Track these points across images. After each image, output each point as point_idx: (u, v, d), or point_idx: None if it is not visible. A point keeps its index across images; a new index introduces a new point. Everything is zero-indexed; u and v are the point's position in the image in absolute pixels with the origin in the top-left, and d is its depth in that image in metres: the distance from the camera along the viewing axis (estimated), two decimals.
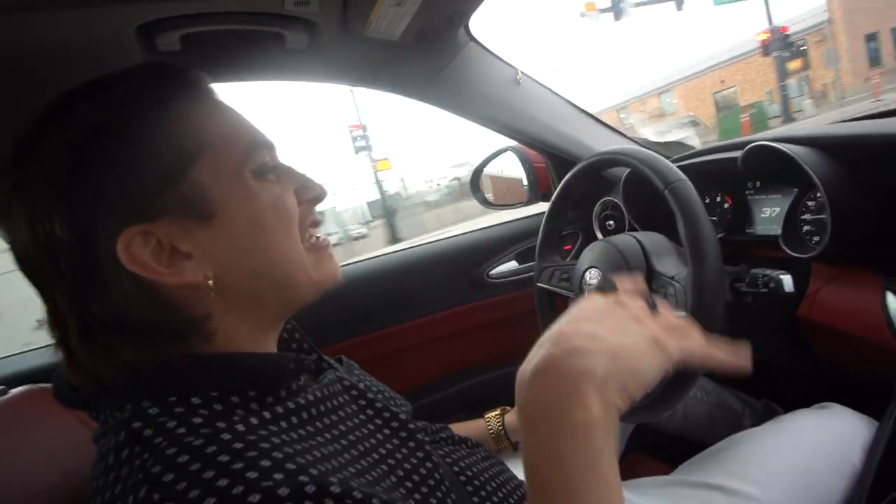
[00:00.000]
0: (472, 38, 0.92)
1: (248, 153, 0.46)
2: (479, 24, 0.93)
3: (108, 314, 0.40)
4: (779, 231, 0.86)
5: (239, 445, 0.36)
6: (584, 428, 0.36)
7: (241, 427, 0.38)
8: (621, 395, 0.38)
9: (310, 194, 0.51)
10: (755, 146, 0.79)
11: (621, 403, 0.38)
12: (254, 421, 0.40)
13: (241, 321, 0.46)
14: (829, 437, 0.71)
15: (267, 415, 0.41)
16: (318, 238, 0.52)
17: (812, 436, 0.72)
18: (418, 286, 1.16)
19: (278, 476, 0.34)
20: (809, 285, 0.81)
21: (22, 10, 0.53)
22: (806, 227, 0.85)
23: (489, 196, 1.44)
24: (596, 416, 0.36)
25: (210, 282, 0.42)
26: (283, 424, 0.41)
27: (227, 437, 0.36)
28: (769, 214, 0.94)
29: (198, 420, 0.38)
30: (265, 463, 0.35)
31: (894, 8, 19.57)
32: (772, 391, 1.05)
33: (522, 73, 1.00)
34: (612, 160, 0.79)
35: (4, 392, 0.66)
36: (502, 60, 0.99)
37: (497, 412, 0.80)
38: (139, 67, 0.47)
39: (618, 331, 0.41)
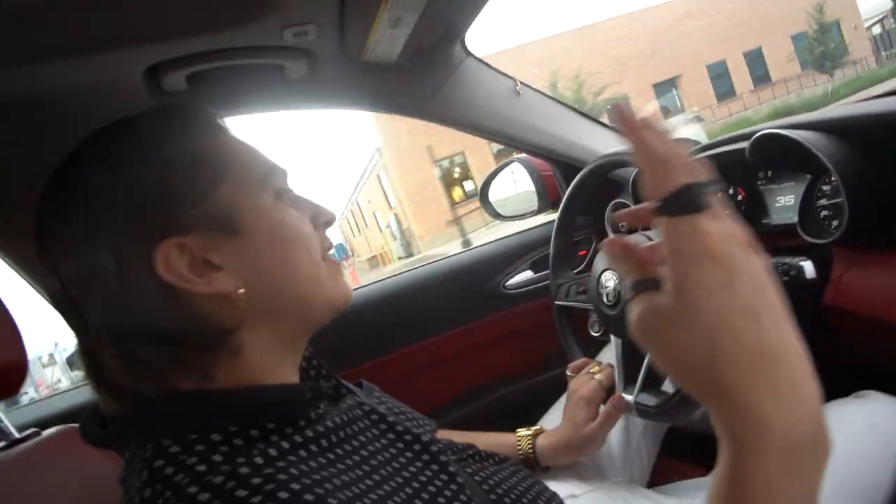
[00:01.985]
0: (469, 53, 0.94)
1: (267, 177, 0.49)
2: (475, 38, 0.95)
3: (143, 328, 0.42)
4: (795, 219, 0.85)
5: (257, 480, 0.36)
6: None
7: (259, 460, 0.39)
8: None
9: (322, 219, 0.54)
10: (762, 135, 0.78)
11: None
12: (273, 452, 0.40)
13: (264, 339, 0.47)
14: (867, 425, 0.69)
15: (286, 445, 0.41)
16: (332, 259, 0.54)
17: (851, 425, 0.70)
18: (434, 303, 1.16)
19: None
20: (833, 271, 0.79)
21: (31, 62, 0.55)
22: (823, 213, 0.83)
23: (500, 209, 1.45)
24: None
25: (241, 291, 0.45)
26: (303, 453, 0.42)
27: (245, 471, 0.37)
28: (784, 203, 0.92)
29: (217, 458, 0.38)
30: (283, 495, 0.35)
31: None
32: None
33: (521, 83, 1.01)
34: (612, 162, 0.79)
35: (37, 434, 0.67)
36: (500, 73, 1.00)
37: (530, 433, 0.78)
38: (163, 106, 0.51)
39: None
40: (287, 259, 0.48)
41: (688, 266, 0.31)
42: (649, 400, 0.70)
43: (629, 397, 0.72)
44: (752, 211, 0.96)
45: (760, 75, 22.80)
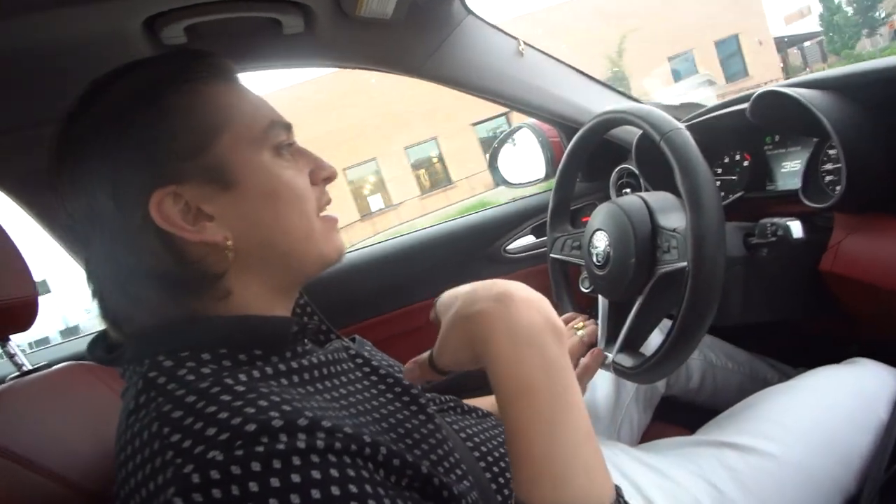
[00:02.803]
0: (470, 12, 0.93)
1: (267, 131, 0.50)
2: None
3: (138, 268, 0.46)
4: (799, 184, 0.83)
5: (241, 389, 0.39)
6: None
7: (243, 377, 0.41)
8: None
9: (322, 174, 0.55)
10: (762, 92, 0.76)
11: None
12: (256, 374, 0.43)
13: (253, 285, 0.49)
14: (853, 390, 0.68)
15: (269, 370, 0.44)
16: (328, 215, 0.55)
17: (835, 390, 0.69)
18: (434, 265, 1.18)
19: (274, 413, 0.37)
20: (832, 237, 0.77)
21: (29, 11, 0.58)
22: (828, 178, 0.81)
23: (508, 175, 1.44)
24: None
25: (229, 242, 0.47)
26: (284, 381, 0.44)
27: (230, 381, 0.40)
28: (789, 168, 0.90)
29: (206, 371, 0.42)
30: (263, 403, 0.38)
31: None
32: (805, 356, 1.00)
33: (525, 43, 1.00)
34: (608, 120, 0.78)
35: (48, 367, 0.72)
36: (503, 32, 0.99)
37: None
38: (172, 52, 0.52)
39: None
40: (278, 215, 0.49)
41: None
42: (626, 361, 0.71)
43: (609, 355, 0.73)
44: (758, 176, 0.94)
45: None
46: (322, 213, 0.54)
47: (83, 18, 0.62)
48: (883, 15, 18.99)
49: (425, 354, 0.50)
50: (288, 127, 0.53)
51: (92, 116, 0.47)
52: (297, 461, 0.36)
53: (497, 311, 0.42)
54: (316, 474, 0.36)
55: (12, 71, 0.66)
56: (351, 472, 0.37)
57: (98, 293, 0.49)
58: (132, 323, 0.47)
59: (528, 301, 0.43)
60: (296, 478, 0.35)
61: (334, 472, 0.36)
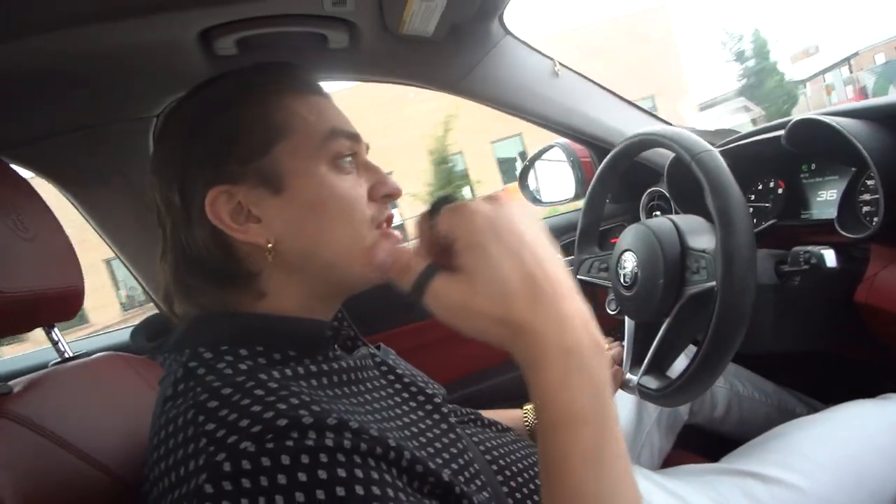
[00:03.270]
0: (508, 32, 0.95)
1: (327, 140, 0.51)
2: (516, 18, 0.96)
3: (192, 258, 0.49)
4: (835, 214, 0.82)
5: (274, 385, 0.41)
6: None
7: (277, 374, 0.43)
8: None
9: (384, 190, 0.54)
10: (799, 120, 0.75)
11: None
12: (289, 373, 0.45)
13: (289, 289, 0.51)
14: (886, 425, 0.66)
15: (301, 370, 0.46)
16: (388, 231, 0.54)
17: (868, 425, 0.67)
18: None
19: (303, 411, 0.39)
20: (868, 268, 0.76)
21: (96, 21, 0.62)
22: (866, 209, 0.80)
23: (538, 194, 1.45)
24: None
25: (270, 245, 0.49)
26: (314, 382, 0.46)
27: (264, 377, 0.42)
28: (826, 198, 0.88)
29: (243, 366, 0.44)
30: (294, 401, 0.40)
31: None
32: (836, 391, 0.98)
33: (560, 64, 1.01)
34: (640, 143, 0.79)
35: (87, 356, 0.75)
36: (539, 53, 1.01)
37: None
38: (257, 64, 0.55)
39: None
40: (322, 226, 0.50)
41: (466, 245, 0.39)
42: (652, 383, 0.70)
43: (633, 378, 0.72)
44: (792, 204, 0.93)
45: None
46: (380, 230, 0.53)
47: (143, 29, 0.66)
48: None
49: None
50: (352, 137, 0.53)
51: (178, 117, 0.52)
52: (324, 458, 0.37)
53: (550, 333, 0.37)
54: (342, 472, 0.36)
55: (78, 75, 0.70)
56: (374, 475, 0.38)
57: (163, 279, 0.53)
58: (183, 309, 0.51)
59: (579, 318, 0.39)
60: (322, 474, 0.36)
61: (359, 473, 0.37)
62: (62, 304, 0.67)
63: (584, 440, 0.36)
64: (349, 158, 0.52)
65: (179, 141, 0.51)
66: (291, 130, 0.50)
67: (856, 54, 19.48)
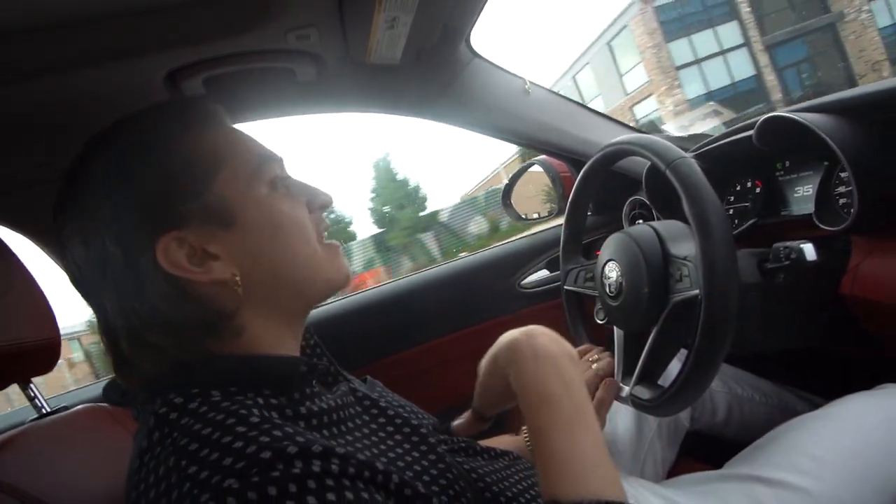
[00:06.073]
0: (476, 55, 0.96)
1: (261, 166, 0.52)
2: (484, 40, 0.97)
3: (151, 315, 0.46)
4: (812, 208, 0.82)
5: (255, 420, 0.40)
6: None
7: (256, 411, 0.42)
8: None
9: (318, 202, 0.57)
10: (767, 118, 0.76)
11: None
12: (266, 415, 0.42)
13: (265, 318, 0.50)
14: (886, 417, 0.65)
15: (276, 415, 0.43)
16: (330, 242, 0.56)
17: (868, 418, 0.66)
18: (450, 302, 1.18)
19: (287, 442, 0.38)
20: (851, 260, 0.76)
21: (60, 69, 0.62)
22: (842, 201, 0.80)
23: (521, 211, 1.45)
24: None
25: (237, 278, 0.48)
26: (298, 424, 0.44)
27: (244, 412, 0.41)
28: (802, 193, 0.89)
29: (220, 405, 0.42)
30: (277, 433, 0.39)
31: None
32: (835, 385, 0.97)
33: (530, 82, 1.03)
34: (613, 153, 0.79)
35: (66, 409, 0.73)
36: (509, 72, 1.02)
37: None
38: (163, 103, 0.56)
39: None
40: (281, 247, 0.50)
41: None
42: (644, 393, 0.69)
43: (625, 388, 0.71)
44: (771, 202, 0.93)
45: None
46: (324, 241, 0.55)
47: (109, 74, 0.66)
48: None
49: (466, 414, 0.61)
50: (280, 161, 0.55)
51: (92, 171, 0.48)
52: (312, 485, 0.36)
53: (522, 339, 0.53)
54: (331, 496, 0.36)
55: (42, 124, 0.70)
56: (364, 496, 0.37)
57: (110, 344, 0.49)
58: (145, 369, 0.47)
59: (547, 335, 0.53)
60: (311, 500, 0.35)
61: (349, 495, 0.37)
62: (38, 357, 0.65)
63: (556, 415, 0.48)
64: (283, 180, 0.54)
65: (108, 193, 0.47)
66: (224, 162, 0.50)
67: None
